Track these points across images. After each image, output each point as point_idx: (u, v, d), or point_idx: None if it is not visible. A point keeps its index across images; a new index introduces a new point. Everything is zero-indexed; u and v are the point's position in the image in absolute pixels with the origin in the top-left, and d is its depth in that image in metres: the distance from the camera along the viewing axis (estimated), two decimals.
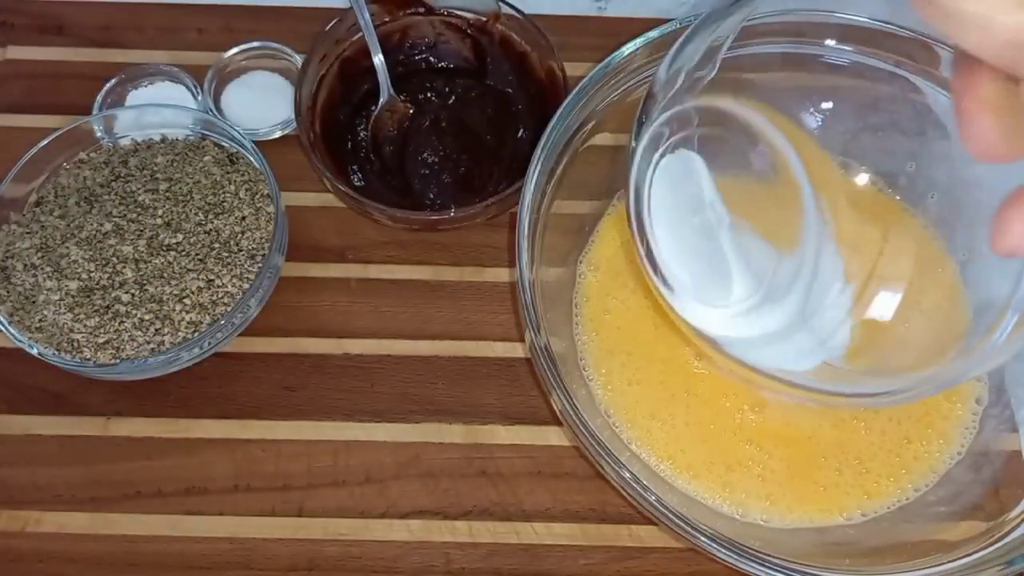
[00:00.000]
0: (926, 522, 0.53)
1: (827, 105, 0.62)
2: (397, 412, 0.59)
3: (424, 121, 0.66)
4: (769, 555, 0.46)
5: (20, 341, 0.56)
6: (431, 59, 0.69)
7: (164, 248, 0.59)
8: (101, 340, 0.57)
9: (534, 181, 0.53)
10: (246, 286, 0.59)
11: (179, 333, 0.57)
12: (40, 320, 0.57)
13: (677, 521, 0.46)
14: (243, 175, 0.62)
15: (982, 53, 0.32)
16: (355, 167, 0.65)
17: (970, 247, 0.58)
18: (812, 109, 0.62)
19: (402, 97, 0.66)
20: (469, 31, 0.68)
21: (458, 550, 0.55)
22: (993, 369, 0.55)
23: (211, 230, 0.60)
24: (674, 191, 0.50)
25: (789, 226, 0.50)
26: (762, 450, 0.54)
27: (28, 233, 0.60)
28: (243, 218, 0.60)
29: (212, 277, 0.59)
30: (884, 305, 0.51)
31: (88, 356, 0.56)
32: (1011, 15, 0.30)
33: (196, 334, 0.57)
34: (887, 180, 0.61)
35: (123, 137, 0.64)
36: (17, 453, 0.57)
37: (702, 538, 0.46)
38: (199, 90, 0.67)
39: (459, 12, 0.67)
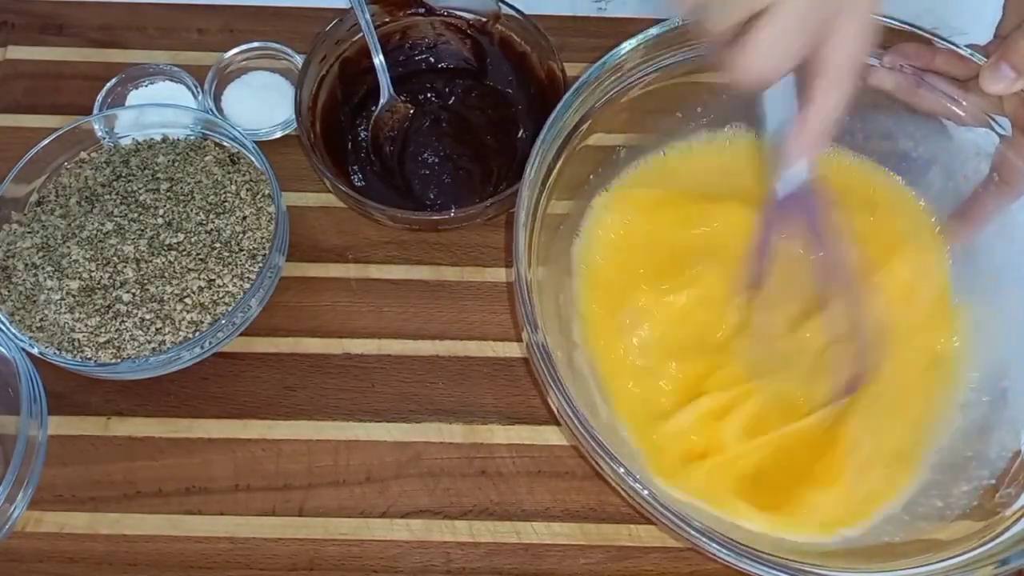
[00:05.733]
0: (922, 522, 0.53)
1: None
2: (397, 412, 0.59)
3: (424, 121, 0.66)
4: (766, 554, 0.46)
5: (21, 340, 0.56)
6: (431, 59, 0.69)
7: (165, 248, 0.59)
8: (102, 339, 0.57)
9: (531, 180, 0.53)
10: (247, 286, 0.59)
11: (180, 333, 0.57)
12: (41, 320, 0.57)
13: (673, 518, 0.46)
14: (244, 175, 0.62)
15: None
16: (355, 167, 0.65)
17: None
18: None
19: (402, 97, 0.67)
20: (469, 31, 0.68)
21: (458, 549, 0.55)
22: None
23: (212, 230, 0.60)
24: None
25: None
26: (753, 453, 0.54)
27: (29, 232, 0.60)
28: (244, 218, 0.61)
29: (213, 277, 0.59)
30: None
31: (89, 355, 0.56)
32: None
33: (197, 334, 0.57)
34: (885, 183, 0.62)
35: (124, 137, 0.64)
36: None
37: (699, 536, 0.46)
38: (199, 90, 0.67)
39: (459, 13, 0.67)
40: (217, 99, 0.67)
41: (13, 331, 0.57)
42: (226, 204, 0.61)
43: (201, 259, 0.59)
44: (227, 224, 0.60)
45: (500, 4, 0.65)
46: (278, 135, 0.66)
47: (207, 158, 0.63)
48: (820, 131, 0.45)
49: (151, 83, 0.68)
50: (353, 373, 0.60)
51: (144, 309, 0.58)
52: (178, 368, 0.59)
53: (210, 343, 0.58)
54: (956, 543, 0.49)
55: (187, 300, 0.58)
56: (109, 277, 0.58)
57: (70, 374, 0.58)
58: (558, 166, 0.56)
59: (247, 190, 0.62)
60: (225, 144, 0.64)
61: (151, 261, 0.59)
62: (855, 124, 0.61)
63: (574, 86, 0.55)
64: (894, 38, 0.57)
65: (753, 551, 0.46)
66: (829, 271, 0.53)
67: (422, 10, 0.67)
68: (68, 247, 0.59)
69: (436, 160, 0.65)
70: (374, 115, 0.66)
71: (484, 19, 0.67)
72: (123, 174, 0.62)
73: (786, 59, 0.43)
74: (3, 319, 0.57)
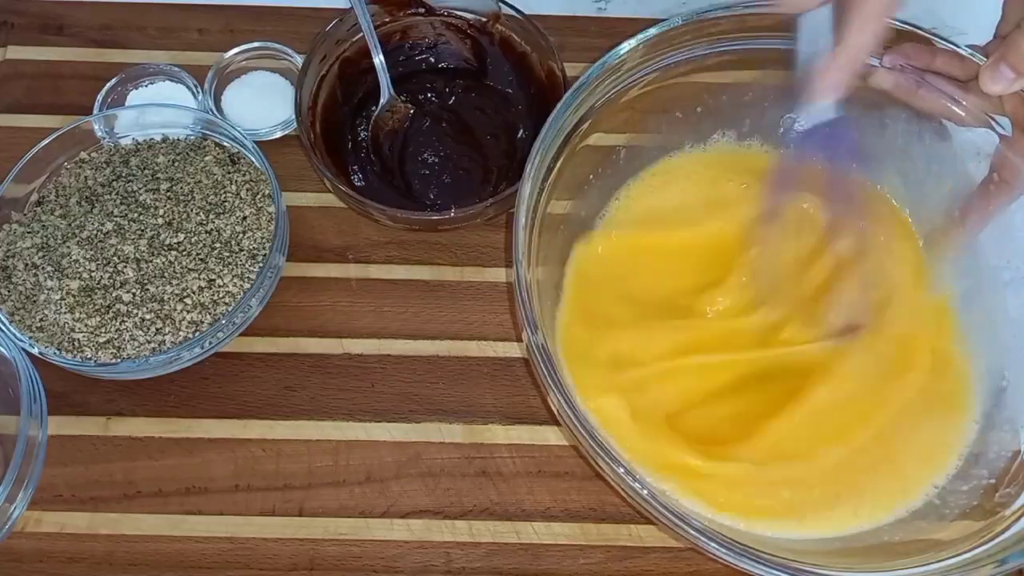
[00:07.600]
0: (922, 521, 0.53)
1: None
2: (397, 412, 0.59)
3: (424, 121, 0.66)
4: (766, 554, 0.46)
5: (21, 340, 0.56)
6: (431, 59, 0.69)
7: (165, 248, 0.59)
8: (102, 339, 0.57)
9: (531, 180, 0.53)
10: (247, 286, 0.59)
11: (180, 333, 0.57)
12: (41, 320, 0.57)
13: (673, 518, 0.46)
14: (244, 175, 0.62)
15: None
16: (355, 167, 0.65)
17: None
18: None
19: (402, 97, 0.67)
20: (469, 32, 0.68)
21: (458, 549, 0.55)
22: None
23: (212, 230, 0.60)
24: None
25: None
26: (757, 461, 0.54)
27: (29, 232, 0.60)
28: (244, 218, 0.61)
29: (213, 277, 0.59)
30: None
31: (89, 355, 0.56)
32: None
33: (197, 334, 0.57)
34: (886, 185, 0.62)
35: (124, 137, 0.64)
36: None
37: (699, 536, 0.46)
38: (200, 90, 0.67)
39: (459, 13, 0.67)
40: (217, 99, 0.67)
41: (13, 331, 0.57)
42: (226, 204, 0.61)
43: (201, 259, 0.59)
44: (227, 224, 0.60)
45: (500, 4, 0.65)
46: (278, 135, 0.66)
47: (207, 158, 0.63)
48: (849, 68, 0.47)
49: (151, 83, 0.68)
50: (353, 373, 0.60)
51: (144, 309, 0.58)
52: (178, 368, 0.59)
53: (210, 343, 0.58)
54: (956, 543, 0.49)
55: (187, 300, 0.58)
56: (109, 277, 0.58)
57: (70, 374, 0.58)
58: (558, 166, 0.56)
59: (247, 190, 0.62)
60: (225, 144, 0.64)
61: (151, 261, 0.59)
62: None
63: (574, 86, 0.55)
64: (894, 38, 0.57)
65: (753, 551, 0.46)
66: (840, 211, 0.53)
67: (422, 10, 0.67)
68: (68, 247, 0.59)
69: (436, 160, 0.65)
70: (374, 115, 0.66)
71: (484, 19, 0.67)
72: (123, 174, 0.62)
73: None
74: (3, 319, 0.57)
